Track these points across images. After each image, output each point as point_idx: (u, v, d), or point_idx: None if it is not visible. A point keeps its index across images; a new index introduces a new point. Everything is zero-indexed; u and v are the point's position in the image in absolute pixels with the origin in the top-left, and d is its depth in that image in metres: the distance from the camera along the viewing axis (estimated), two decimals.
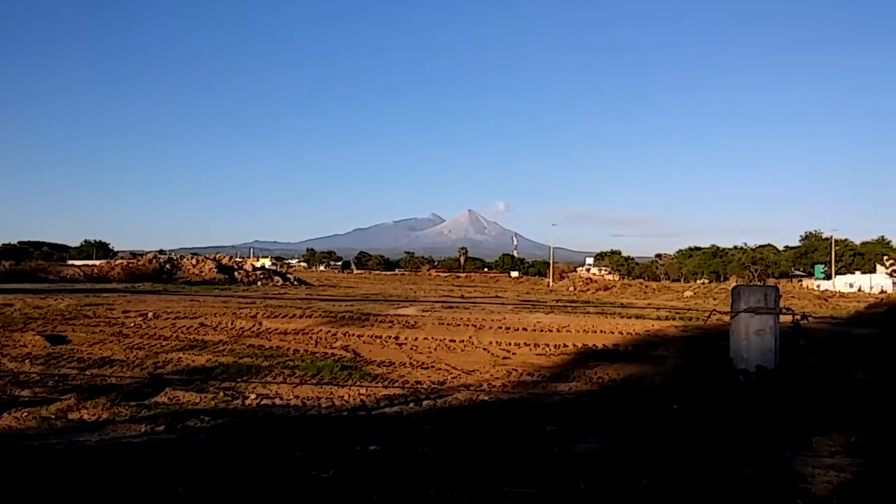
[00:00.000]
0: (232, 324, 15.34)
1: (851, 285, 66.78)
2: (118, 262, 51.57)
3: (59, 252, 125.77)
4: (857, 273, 79.08)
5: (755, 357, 5.60)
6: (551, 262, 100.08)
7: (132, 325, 15.10)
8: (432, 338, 13.76)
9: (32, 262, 58.49)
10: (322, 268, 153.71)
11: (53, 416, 6.85)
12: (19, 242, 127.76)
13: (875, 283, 66.78)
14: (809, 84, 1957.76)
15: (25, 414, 6.85)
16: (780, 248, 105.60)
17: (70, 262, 76.58)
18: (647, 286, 53.65)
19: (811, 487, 3.62)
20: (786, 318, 5.82)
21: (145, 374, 10.22)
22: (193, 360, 11.44)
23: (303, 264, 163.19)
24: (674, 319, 17.25)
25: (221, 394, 8.63)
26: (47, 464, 4.31)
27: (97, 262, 58.65)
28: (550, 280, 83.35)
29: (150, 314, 16.48)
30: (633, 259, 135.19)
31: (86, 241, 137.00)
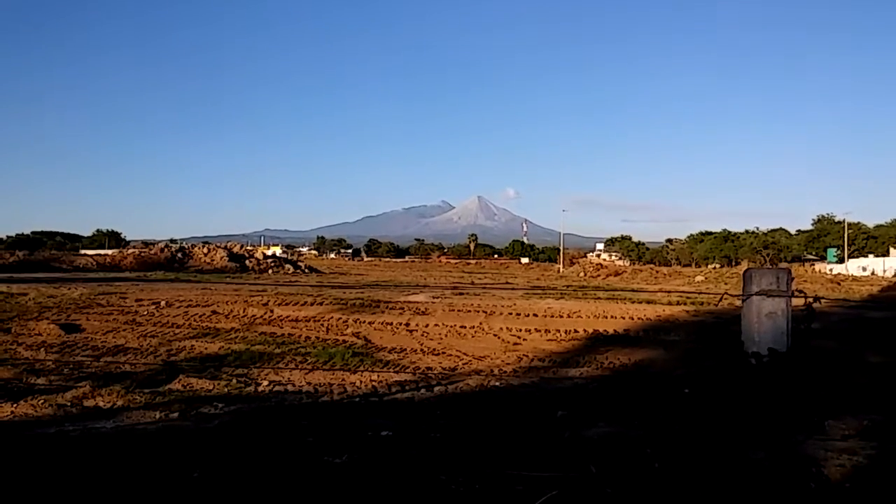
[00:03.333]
0: (244, 311, 15.42)
1: (864, 269, 66.25)
2: (130, 251, 51.92)
3: (71, 242, 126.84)
4: (871, 256, 78.46)
5: (767, 340, 5.57)
6: (561, 247, 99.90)
7: (145, 313, 15.21)
8: (443, 324, 13.78)
9: (46, 252, 59.09)
10: (332, 255, 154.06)
11: (69, 404, 6.92)
12: (32, 232, 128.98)
13: (889, 266, 66.26)
14: (821, 66, 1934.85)
15: (41, 401, 6.92)
16: (793, 231, 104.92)
17: (83, 251, 77.18)
18: (657, 271, 53.52)
19: (824, 471, 3.61)
20: (798, 302, 5.78)
21: (159, 362, 10.30)
22: (206, 348, 11.52)
23: (313, 252, 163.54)
24: (685, 304, 17.19)
25: (234, 381, 8.69)
26: (63, 450, 4.37)
27: (109, 252, 59.06)
28: (561, 266, 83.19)
29: (162, 302, 16.60)
30: (643, 244, 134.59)
31: (98, 230, 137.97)
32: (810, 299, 5.73)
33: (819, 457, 3.85)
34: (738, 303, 6.06)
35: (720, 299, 9.56)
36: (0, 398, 7.12)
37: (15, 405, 6.78)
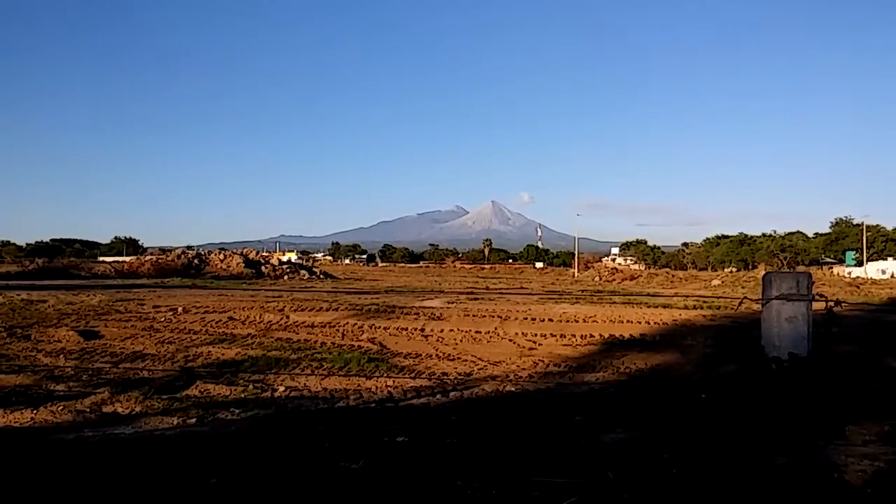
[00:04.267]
0: (260, 317, 15.49)
1: (884, 272, 65.39)
2: (148, 258, 52.35)
3: (90, 249, 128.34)
4: (890, 259, 77.41)
5: (787, 345, 5.52)
6: (576, 252, 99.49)
7: (162, 319, 15.32)
8: (458, 329, 13.76)
9: (65, 260, 59.76)
10: (347, 261, 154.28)
11: (88, 410, 6.99)
12: (52, 240, 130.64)
13: None
14: (839, 65, 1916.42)
15: (61, 408, 7.00)
16: (810, 234, 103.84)
17: (101, 258, 78.01)
18: (673, 275, 53.18)
19: (845, 476, 3.57)
20: (818, 305, 5.73)
21: (176, 368, 10.37)
22: (223, 354, 11.58)
23: (328, 258, 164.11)
24: (701, 308, 17.05)
25: (251, 386, 8.73)
26: (83, 456, 4.40)
27: (127, 259, 59.60)
28: (576, 270, 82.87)
29: (179, 309, 16.72)
30: (659, 248, 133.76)
31: (116, 237, 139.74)
32: (831, 303, 5.68)
33: (840, 462, 3.80)
34: (756, 307, 6.01)
35: (740, 303, 9.48)
36: (20, 404, 7.21)
37: (35, 411, 6.85)
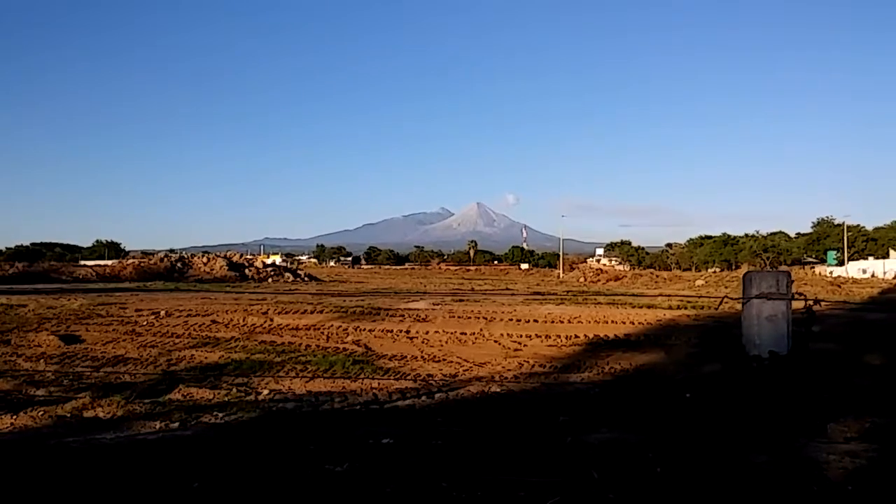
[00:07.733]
0: (244, 320, 15.40)
1: (865, 271, 66.25)
2: (130, 261, 51.92)
3: (71, 252, 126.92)
4: (871, 259, 78.48)
5: (768, 343, 5.57)
6: (561, 253, 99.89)
7: (145, 323, 15.19)
8: (443, 331, 13.76)
9: (45, 263, 58.99)
10: (332, 263, 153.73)
11: (69, 415, 6.90)
12: (32, 244, 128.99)
13: (889, 268, 66.18)
14: (818, 65, 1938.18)
15: (41, 413, 6.90)
16: (792, 235, 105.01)
17: (82, 262, 77.17)
18: (657, 276, 53.52)
19: (826, 473, 3.61)
20: (798, 304, 5.78)
21: (159, 372, 10.27)
22: (206, 357, 11.49)
23: (313, 260, 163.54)
24: (685, 308, 17.18)
25: (234, 390, 8.67)
26: (64, 462, 4.35)
27: (109, 262, 59.06)
28: (560, 271, 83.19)
29: (162, 312, 16.57)
30: (643, 249, 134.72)
31: (97, 241, 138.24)
32: (810, 302, 5.74)
33: (821, 459, 3.84)
34: (739, 306, 6.06)
35: (720, 303, 9.56)
36: None
37: (14, 417, 6.76)
